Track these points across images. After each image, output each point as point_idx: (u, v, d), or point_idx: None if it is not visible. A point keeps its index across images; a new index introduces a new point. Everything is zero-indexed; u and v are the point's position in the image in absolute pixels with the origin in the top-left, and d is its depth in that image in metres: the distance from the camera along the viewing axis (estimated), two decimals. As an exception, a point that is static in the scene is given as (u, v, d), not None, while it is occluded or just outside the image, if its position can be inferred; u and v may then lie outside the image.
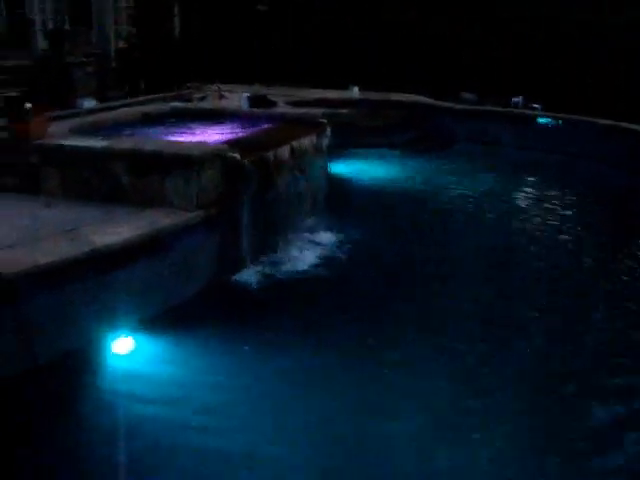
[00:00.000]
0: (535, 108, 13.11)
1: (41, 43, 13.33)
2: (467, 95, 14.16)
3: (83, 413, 4.62)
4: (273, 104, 9.95)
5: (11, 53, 12.69)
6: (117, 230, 5.62)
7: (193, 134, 8.21)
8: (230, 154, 6.49)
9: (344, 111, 14.09)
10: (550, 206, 10.13)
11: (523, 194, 11.04)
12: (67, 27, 12.57)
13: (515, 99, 13.51)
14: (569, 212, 10.00)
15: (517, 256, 8.09)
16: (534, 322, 6.28)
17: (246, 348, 5.51)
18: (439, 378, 5.12)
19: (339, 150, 12.27)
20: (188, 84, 14.57)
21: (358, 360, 5.41)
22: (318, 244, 7.72)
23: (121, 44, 14.55)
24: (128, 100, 11.88)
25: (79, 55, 12.17)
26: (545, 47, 14.53)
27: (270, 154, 7.09)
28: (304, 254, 7.33)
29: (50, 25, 13.70)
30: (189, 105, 10.06)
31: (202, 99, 13.06)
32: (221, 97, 13.00)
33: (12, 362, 4.76)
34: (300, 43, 17.16)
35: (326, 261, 7.20)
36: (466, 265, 7.49)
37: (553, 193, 10.98)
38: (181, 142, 7.19)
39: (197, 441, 4.33)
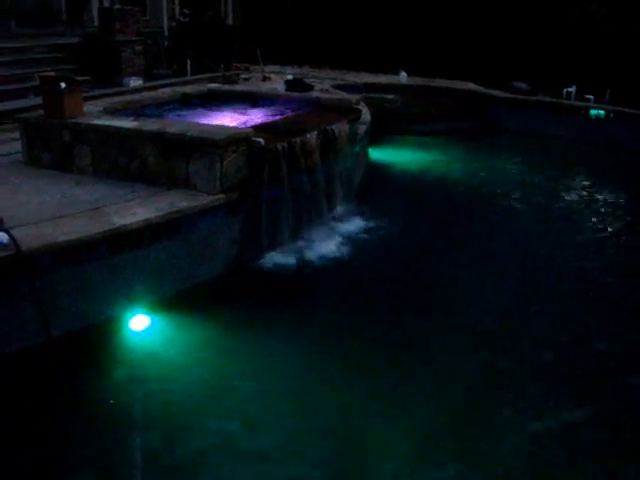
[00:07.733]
0: (588, 99, 12.55)
1: (96, 22, 13.63)
2: (519, 84, 13.68)
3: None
4: (310, 88, 9.85)
5: (68, 31, 13.03)
6: (137, 211, 5.72)
7: (224, 116, 8.21)
8: (254, 139, 6.46)
9: (391, 97, 13.92)
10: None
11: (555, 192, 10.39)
12: (118, 6, 12.73)
13: (568, 89, 12.97)
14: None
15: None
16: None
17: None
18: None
19: (383, 136, 12.14)
20: (237, 64, 14.65)
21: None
22: (344, 233, 7.64)
23: (173, 24, 14.74)
24: (173, 80, 12.03)
25: (130, 34, 12.35)
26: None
27: (297, 140, 7.01)
28: (327, 242, 7.27)
29: (105, 4, 13.96)
30: (225, 87, 10.07)
31: (247, 80, 13.14)
32: (265, 79, 13.04)
33: (29, 335, 4.95)
34: (351, 26, 16.98)
35: (347, 251, 7.14)
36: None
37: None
38: (207, 125, 7.18)
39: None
